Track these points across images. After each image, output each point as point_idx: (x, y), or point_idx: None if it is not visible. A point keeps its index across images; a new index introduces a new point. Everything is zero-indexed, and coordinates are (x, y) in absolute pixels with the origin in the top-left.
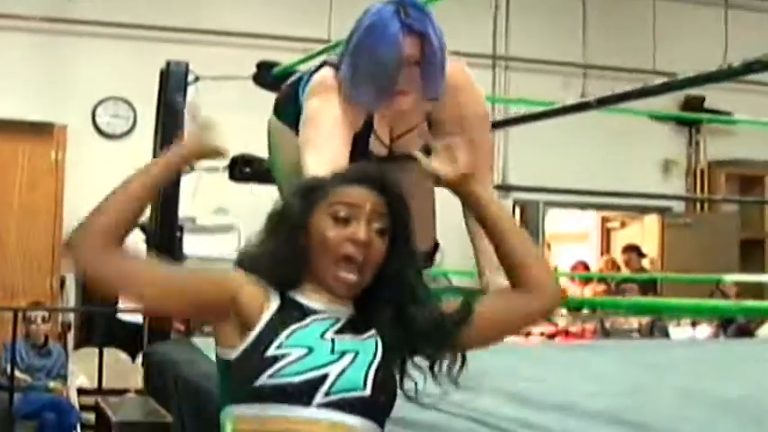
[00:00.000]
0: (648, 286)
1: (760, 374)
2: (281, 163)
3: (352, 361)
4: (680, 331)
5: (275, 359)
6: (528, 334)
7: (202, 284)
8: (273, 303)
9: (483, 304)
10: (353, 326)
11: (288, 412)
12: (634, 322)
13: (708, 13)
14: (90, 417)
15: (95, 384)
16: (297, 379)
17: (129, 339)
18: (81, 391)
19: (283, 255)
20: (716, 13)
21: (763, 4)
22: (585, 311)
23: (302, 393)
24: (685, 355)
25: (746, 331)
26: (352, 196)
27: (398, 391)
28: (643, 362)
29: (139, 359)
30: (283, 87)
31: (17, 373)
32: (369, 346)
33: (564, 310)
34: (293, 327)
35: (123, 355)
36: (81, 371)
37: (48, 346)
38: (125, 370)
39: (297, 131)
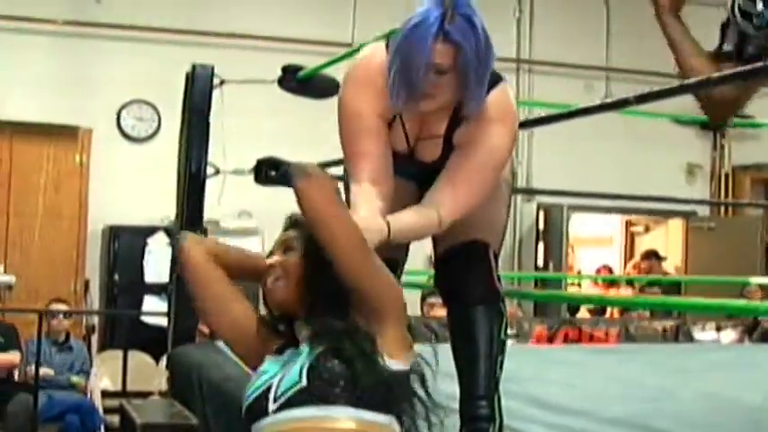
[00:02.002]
0: (672, 290)
1: None
2: None
3: (292, 366)
4: (705, 336)
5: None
6: (551, 338)
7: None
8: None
9: None
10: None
11: (257, 426)
12: (659, 327)
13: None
14: (114, 419)
15: (119, 387)
16: (251, 397)
17: (153, 342)
18: (105, 394)
19: None
20: None
21: None
22: (608, 316)
23: (259, 407)
24: (710, 360)
25: None
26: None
27: None
28: (668, 366)
29: (163, 362)
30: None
31: (40, 368)
32: (304, 350)
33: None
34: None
35: (147, 358)
36: (105, 373)
37: (69, 342)
38: (149, 373)
39: None
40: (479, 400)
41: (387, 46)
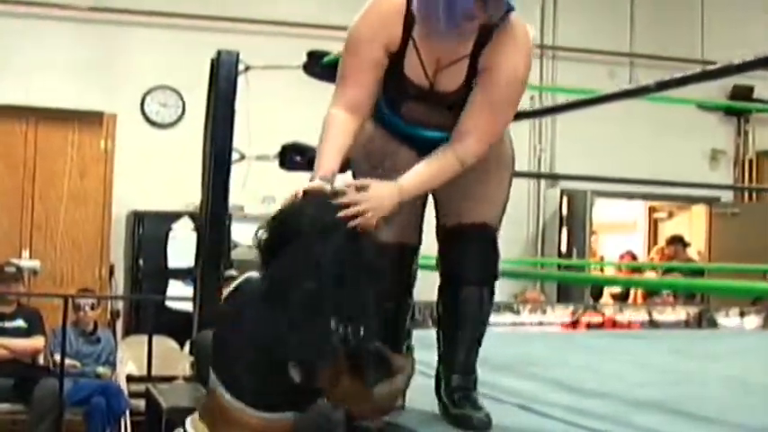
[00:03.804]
0: (695, 276)
1: None
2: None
3: None
4: (728, 321)
5: None
6: (575, 324)
7: None
8: None
9: None
10: None
11: None
12: (682, 313)
13: (755, 3)
14: (139, 404)
15: (144, 372)
16: None
17: (178, 327)
18: (130, 379)
19: None
20: (764, 2)
21: None
22: (631, 302)
23: None
24: (734, 346)
25: None
26: None
27: None
28: (692, 351)
29: (188, 347)
30: None
31: (67, 360)
32: None
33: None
34: None
35: (172, 343)
36: (130, 358)
37: (96, 333)
38: (174, 357)
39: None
40: (470, 374)
41: None
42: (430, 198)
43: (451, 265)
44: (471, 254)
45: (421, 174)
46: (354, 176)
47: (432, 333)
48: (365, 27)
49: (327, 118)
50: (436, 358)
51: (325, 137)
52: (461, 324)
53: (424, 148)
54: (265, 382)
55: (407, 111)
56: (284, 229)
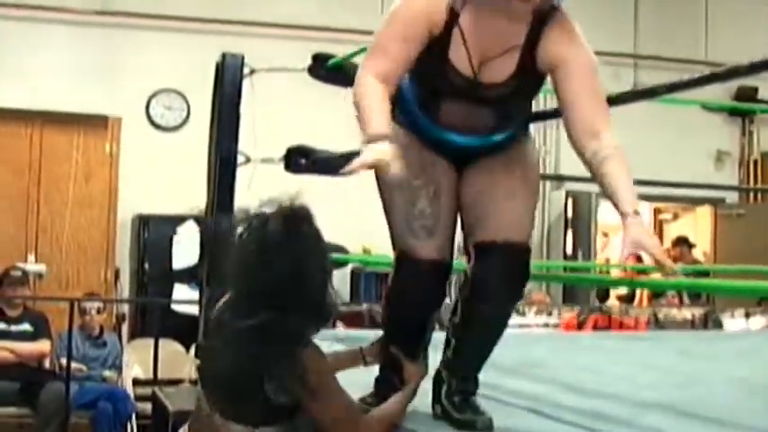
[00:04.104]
0: (701, 277)
1: None
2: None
3: None
4: (734, 323)
5: None
6: (581, 325)
7: None
8: None
9: None
10: None
11: None
12: (688, 314)
13: (759, 3)
14: (145, 407)
15: (150, 375)
16: None
17: (183, 330)
18: (136, 382)
19: None
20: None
21: None
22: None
23: None
24: (739, 347)
25: None
26: None
27: None
28: (698, 353)
29: (193, 350)
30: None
31: (73, 363)
32: None
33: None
34: None
35: (178, 346)
36: (136, 362)
37: (103, 337)
38: (180, 361)
39: (404, 126)
40: (473, 379)
41: None
42: None
43: (482, 281)
44: (504, 274)
45: (626, 180)
46: (385, 187)
47: (436, 335)
48: (412, 1)
49: (361, 83)
50: (438, 360)
51: (365, 100)
52: (480, 337)
53: (458, 158)
54: (243, 398)
55: (444, 110)
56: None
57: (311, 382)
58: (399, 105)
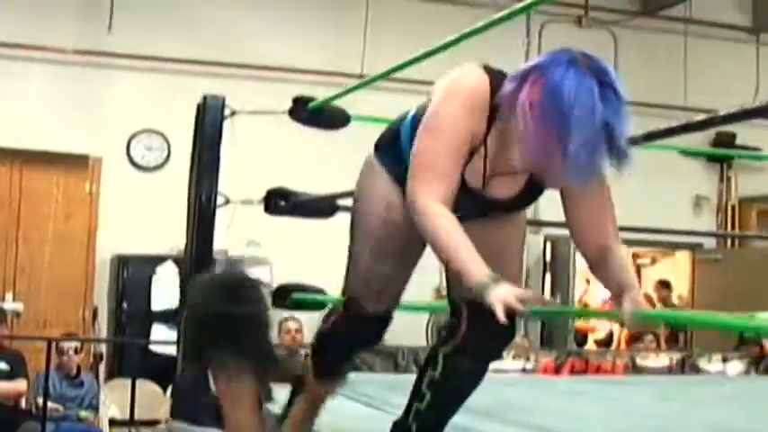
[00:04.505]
0: (678, 323)
1: None
2: (362, 208)
3: None
4: (711, 367)
5: None
6: (558, 369)
7: None
8: None
9: None
10: None
11: None
12: (665, 358)
13: (739, 50)
14: None
15: (127, 416)
16: None
17: (161, 371)
18: (113, 422)
19: None
20: (747, 50)
21: None
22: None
23: None
24: (718, 391)
25: None
26: None
27: None
28: (676, 397)
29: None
30: (391, 126)
31: (49, 403)
32: None
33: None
34: None
35: (155, 387)
36: (113, 402)
37: (80, 377)
38: (157, 401)
39: (394, 176)
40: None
41: (489, 80)
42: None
43: (472, 338)
44: (496, 332)
45: (631, 271)
46: (357, 238)
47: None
48: (461, 108)
49: (430, 213)
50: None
51: (451, 238)
52: (460, 392)
53: None
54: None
55: None
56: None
57: None
58: (392, 150)
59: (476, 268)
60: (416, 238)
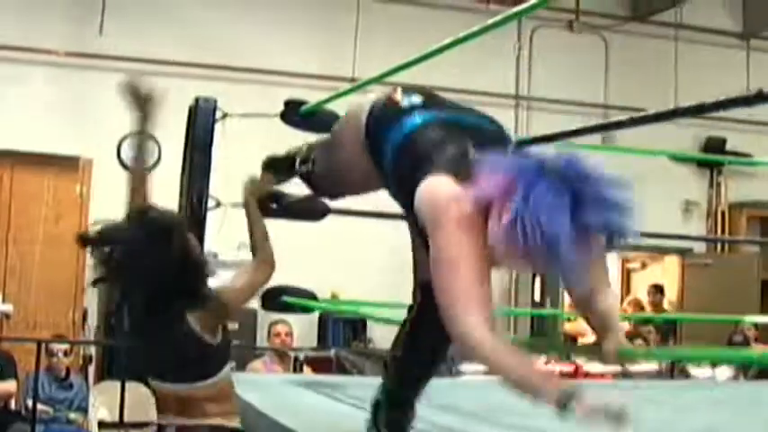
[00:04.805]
0: (668, 327)
1: None
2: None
3: None
4: (700, 372)
5: None
6: None
7: None
8: None
9: None
10: None
11: None
12: (654, 363)
13: (729, 55)
14: None
15: (116, 418)
16: None
17: None
18: (102, 425)
19: None
20: (737, 55)
21: None
22: None
23: None
24: (707, 396)
25: (767, 374)
26: None
27: None
28: (666, 402)
29: None
30: (397, 100)
31: (39, 405)
32: None
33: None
34: None
35: (145, 389)
36: (102, 404)
37: (69, 379)
38: (146, 404)
39: (372, 158)
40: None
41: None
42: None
43: (423, 311)
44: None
45: (616, 316)
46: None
47: None
48: (458, 230)
49: (483, 342)
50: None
51: (509, 358)
52: (417, 367)
53: None
54: None
55: None
56: None
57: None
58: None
59: (547, 380)
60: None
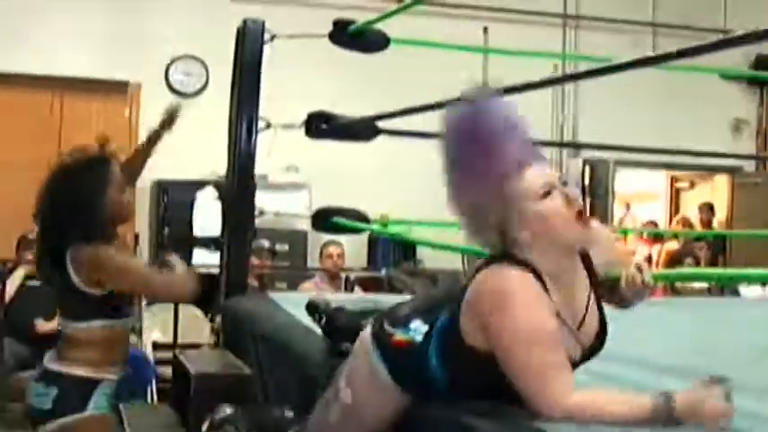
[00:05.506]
0: (718, 243)
1: None
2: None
3: None
4: (750, 290)
5: None
6: None
7: None
8: None
9: None
10: None
11: None
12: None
13: None
14: (165, 370)
15: (169, 339)
16: None
17: (202, 295)
18: (156, 346)
19: None
20: None
21: None
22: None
23: None
24: (756, 314)
25: None
26: None
27: None
28: (715, 319)
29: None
30: (402, 340)
31: None
32: None
33: None
34: None
35: (197, 311)
36: (155, 325)
37: None
38: (198, 325)
39: (411, 394)
40: None
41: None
42: None
43: None
44: None
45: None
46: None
47: None
48: (537, 314)
49: (579, 404)
50: None
51: (610, 406)
52: None
53: None
54: None
55: None
56: None
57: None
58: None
59: (641, 403)
60: None
